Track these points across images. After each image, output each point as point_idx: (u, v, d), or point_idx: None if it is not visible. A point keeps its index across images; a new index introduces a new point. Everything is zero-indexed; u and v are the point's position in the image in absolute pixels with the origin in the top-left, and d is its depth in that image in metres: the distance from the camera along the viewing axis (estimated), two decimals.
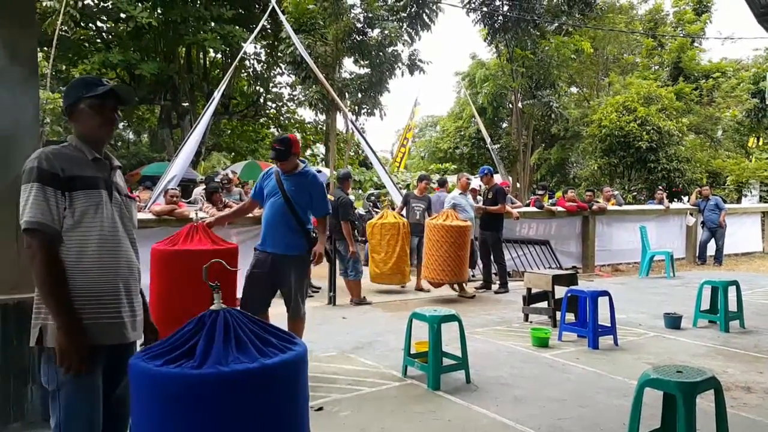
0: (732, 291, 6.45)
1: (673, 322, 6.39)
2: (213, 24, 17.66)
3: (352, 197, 10.08)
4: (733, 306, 6.47)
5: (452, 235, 7.73)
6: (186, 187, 11.81)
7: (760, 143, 23.57)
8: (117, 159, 2.40)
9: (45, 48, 14.97)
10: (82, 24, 17.78)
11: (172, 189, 7.71)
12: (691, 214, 12.48)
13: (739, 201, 20.96)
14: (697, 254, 12.43)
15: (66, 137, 2.29)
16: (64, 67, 18.14)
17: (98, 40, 19.19)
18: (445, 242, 7.71)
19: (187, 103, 19.75)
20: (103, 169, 2.29)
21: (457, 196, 8.63)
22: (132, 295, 2.29)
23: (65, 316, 2.08)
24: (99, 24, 18.97)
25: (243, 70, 21.35)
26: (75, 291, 2.13)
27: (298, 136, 25.75)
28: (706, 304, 6.61)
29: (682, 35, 23.54)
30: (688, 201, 14.28)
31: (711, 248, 12.36)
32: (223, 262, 2.33)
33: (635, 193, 18.14)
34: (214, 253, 3.74)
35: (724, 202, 12.56)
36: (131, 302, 2.28)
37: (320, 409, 3.87)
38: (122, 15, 17.51)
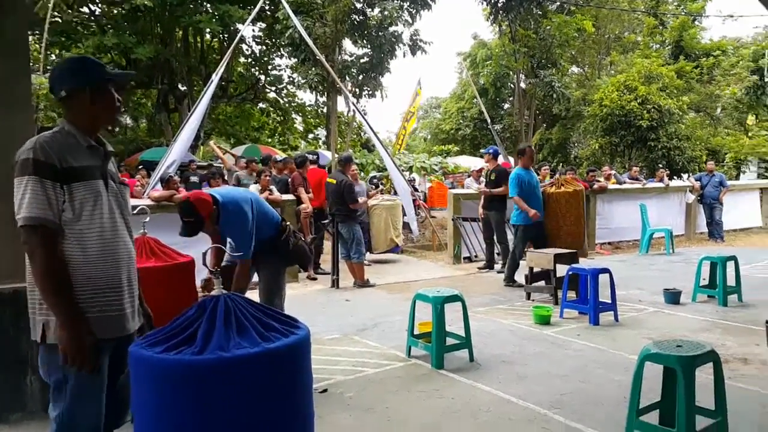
0: (730, 266, 6.48)
1: (673, 297, 6.42)
2: (209, 5, 17.44)
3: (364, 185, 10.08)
4: (731, 281, 6.49)
5: None
6: (184, 171, 11.72)
7: (759, 121, 23.51)
8: (114, 145, 2.32)
9: (37, 32, 14.79)
10: (75, 6, 17.54)
11: (171, 175, 7.69)
12: (691, 191, 12.46)
13: (737, 178, 20.99)
14: (708, 233, 12.37)
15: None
16: (57, 52, 17.92)
17: (92, 24, 18.94)
18: None
19: (184, 87, 19.59)
20: (98, 156, 2.18)
21: None
22: (132, 285, 2.23)
23: (68, 314, 1.99)
24: (92, 6, 18.69)
25: (241, 54, 21.13)
26: (79, 285, 2.05)
27: (299, 119, 25.54)
28: (705, 280, 6.63)
29: (683, 13, 23.32)
30: (688, 179, 14.28)
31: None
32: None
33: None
34: (163, 271, 3.52)
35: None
36: (132, 293, 2.23)
37: (324, 391, 3.89)
38: None
